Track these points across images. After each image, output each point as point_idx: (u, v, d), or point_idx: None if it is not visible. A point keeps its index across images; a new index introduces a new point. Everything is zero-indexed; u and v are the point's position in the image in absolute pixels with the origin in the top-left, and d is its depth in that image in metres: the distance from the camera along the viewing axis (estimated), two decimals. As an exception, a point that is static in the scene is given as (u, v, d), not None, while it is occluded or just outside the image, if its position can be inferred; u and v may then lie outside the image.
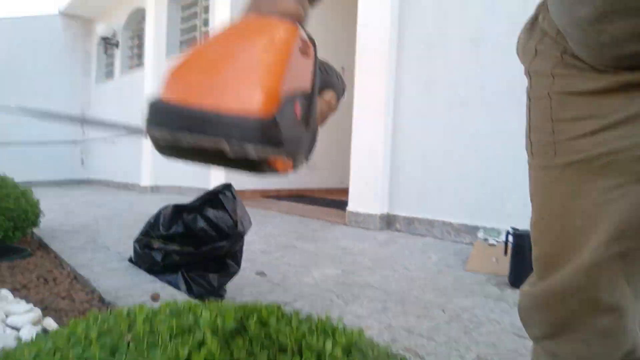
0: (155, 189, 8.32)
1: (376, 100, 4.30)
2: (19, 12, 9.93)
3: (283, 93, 0.35)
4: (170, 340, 0.50)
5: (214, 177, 6.73)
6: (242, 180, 6.63)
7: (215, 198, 2.59)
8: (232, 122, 0.32)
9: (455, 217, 3.95)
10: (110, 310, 0.62)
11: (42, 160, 10.14)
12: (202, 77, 0.34)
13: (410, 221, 4.20)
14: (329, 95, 0.51)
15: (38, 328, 1.72)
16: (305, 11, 0.47)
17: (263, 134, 0.32)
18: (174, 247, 2.40)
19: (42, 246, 3.36)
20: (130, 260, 2.66)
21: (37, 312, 1.81)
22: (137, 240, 2.52)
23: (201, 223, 2.59)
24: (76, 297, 2.19)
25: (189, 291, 2.35)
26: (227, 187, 2.60)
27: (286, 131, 0.34)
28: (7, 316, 1.72)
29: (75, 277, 2.54)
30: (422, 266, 3.26)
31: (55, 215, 5.16)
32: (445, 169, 4.01)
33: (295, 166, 0.40)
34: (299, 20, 0.44)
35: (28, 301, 2.06)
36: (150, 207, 6.25)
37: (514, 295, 2.64)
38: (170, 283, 2.38)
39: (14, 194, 2.94)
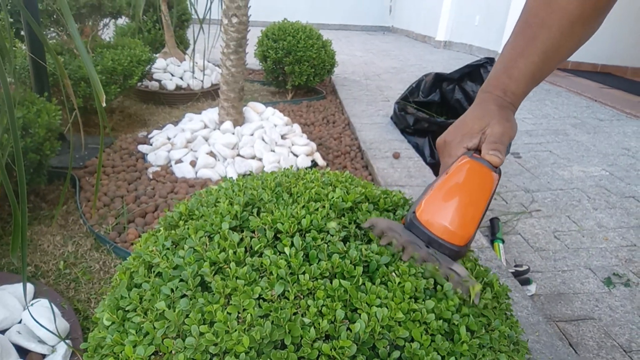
0: (447, 45, 8.31)
1: None
2: None
3: (475, 229, 0.60)
4: (308, 201, 0.74)
5: (506, 39, 6.22)
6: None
7: (476, 71, 2.57)
8: (444, 245, 0.60)
9: None
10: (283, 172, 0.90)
11: (354, 6, 11.21)
12: (438, 209, 0.61)
13: None
14: None
15: (310, 159, 2.30)
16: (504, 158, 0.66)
17: (457, 254, 0.61)
18: (424, 115, 2.59)
19: (334, 91, 4.07)
20: (391, 118, 3.02)
21: (312, 147, 2.38)
22: (397, 102, 2.81)
23: (458, 95, 2.67)
24: (343, 141, 2.72)
25: (432, 156, 2.57)
26: (490, 61, 2.52)
27: (468, 245, 0.61)
28: (292, 144, 2.34)
29: (348, 124, 3.08)
30: None
31: (355, 62, 5.95)
32: None
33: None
34: (499, 165, 0.64)
35: (310, 136, 2.69)
36: (437, 63, 6.43)
37: None
38: (417, 145, 2.65)
39: (317, 45, 3.57)
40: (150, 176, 2.04)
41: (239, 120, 2.33)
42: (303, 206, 0.73)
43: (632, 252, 1.91)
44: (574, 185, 2.59)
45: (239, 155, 2.15)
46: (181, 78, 3.60)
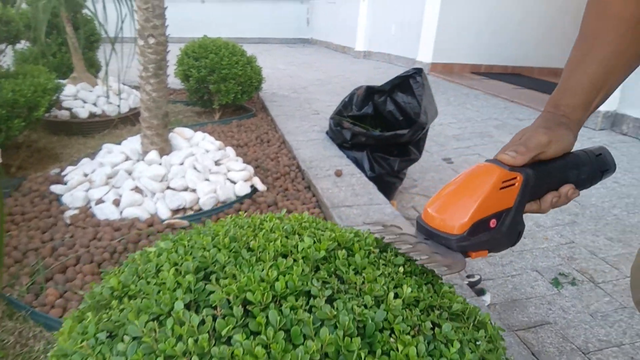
0: (367, 55, 8.51)
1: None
2: None
3: (475, 219, 0.60)
4: (274, 257, 0.63)
5: (422, 49, 6.47)
6: (450, 54, 6.23)
7: (405, 82, 2.58)
8: (444, 236, 0.61)
9: None
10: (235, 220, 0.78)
11: (272, 19, 11.20)
12: (439, 207, 0.63)
13: (644, 124, 3.45)
14: (565, 189, 0.65)
15: (248, 184, 2.17)
16: (528, 157, 0.61)
17: (454, 243, 0.61)
18: (361, 129, 2.55)
19: (264, 108, 3.95)
20: (327, 133, 2.96)
21: (250, 171, 2.24)
22: (332, 118, 2.75)
23: (390, 106, 2.66)
24: (281, 161, 2.61)
25: (372, 170, 2.54)
26: (419, 72, 2.54)
27: (476, 238, 0.61)
28: (228, 171, 2.19)
29: (284, 142, 2.98)
30: (638, 183, 2.75)
31: (279, 76, 5.87)
32: None
33: (490, 253, 0.64)
34: (515, 165, 0.60)
35: (245, 159, 2.55)
36: (360, 73, 6.53)
37: None
38: (356, 160, 2.61)
39: (242, 61, 3.44)
40: (68, 221, 1.79)
41: (166, 148, 2.14)
42: (271, 265, 0.61)
43: (572, 250, 1.98)
44: (506, 186, 2.67)
45: (169, 188, 1.96)
46: (95, 104, 3.29)
